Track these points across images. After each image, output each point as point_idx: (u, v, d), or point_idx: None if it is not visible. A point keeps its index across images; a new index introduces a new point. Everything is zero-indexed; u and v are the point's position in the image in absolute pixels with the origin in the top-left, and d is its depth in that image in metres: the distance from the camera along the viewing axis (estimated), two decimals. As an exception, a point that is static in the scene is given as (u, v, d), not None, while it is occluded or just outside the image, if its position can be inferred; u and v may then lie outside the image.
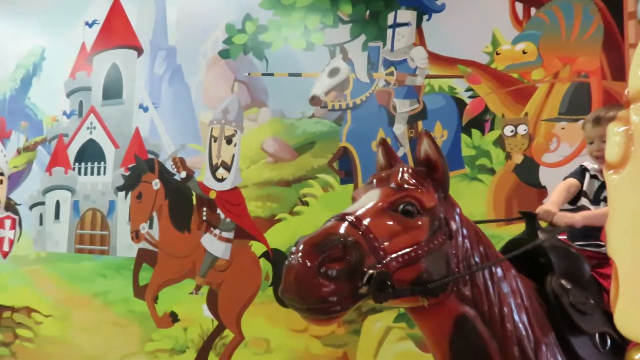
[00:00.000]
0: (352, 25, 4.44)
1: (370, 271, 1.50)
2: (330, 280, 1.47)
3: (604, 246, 2.00)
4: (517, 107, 3.85)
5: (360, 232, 1.55)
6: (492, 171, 3.91)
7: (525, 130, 3.81)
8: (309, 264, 1.46)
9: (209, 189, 4.94)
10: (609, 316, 1.85)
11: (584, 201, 2.21)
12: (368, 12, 4.39)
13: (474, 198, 3.83)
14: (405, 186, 1.70)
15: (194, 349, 4.87)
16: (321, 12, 4.55)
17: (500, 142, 3.89)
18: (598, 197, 2.17)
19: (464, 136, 3.98)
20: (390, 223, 1.62)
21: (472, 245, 1.76)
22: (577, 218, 1.98)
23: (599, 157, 2.17)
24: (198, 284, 4.89)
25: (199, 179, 5.01)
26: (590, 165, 2.27)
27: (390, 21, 4.28)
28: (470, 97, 4.00)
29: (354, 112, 4.38)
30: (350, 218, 1.58)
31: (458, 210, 1.78)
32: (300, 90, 4.59)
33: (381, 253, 1.55)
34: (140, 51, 5.45)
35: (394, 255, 1.57)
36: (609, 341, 1.87)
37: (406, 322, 3.79)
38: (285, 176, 4.65)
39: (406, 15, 4.23)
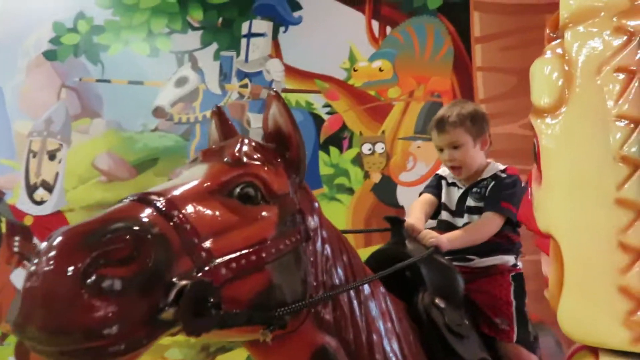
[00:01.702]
0: (204, 32, 4.10)
1: (183, 282, 1.00)
2: (108, 297, 0.93)
3: (472, 260, 1.88)
4: (375, 124, 3.81)
5: (170, 222, 1.06)
6: (350, 191, 3.81)
7: (382, 148, 3.76)
8: (66, 270, 0.91)
9: (24, 214, 4.16)
10: (484, 338, 1.72)
11: (444, 215, 1.96)
12: (221, 19, 4.09)
13: (333, 219, 3.55)
14: (245, 161, 1.26)
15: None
16: (168, 16, 4.14)
17: (358, 160, 3.81)
18: (461, 209, 1.91)
19: (321, 154, 3.85)
20: (220, 211, 1.16)
21: (334, 252, 1.37)
22: (443, 240, 1.72)
23: (454, 168, 1.90)
24: (4, 332, 4.02)
25: (11, 201, 4.23)
26: (447, 172, 2.00)
27: (244, 30, 4.02)
28: (328, 113, 3.89)
29: (204, 126, 4.02)
30: (157, 200, 1.09)
31: (317, 205, 1.40)
32: (142, 100, 4.11)
33: (203, 254, 1.07)
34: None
35: (223, 259, 1.10)
36: None
37: None
38: (121, 198, 4.06)
39: (262, 25, 4.00)
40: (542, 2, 3.42)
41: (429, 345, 1.55)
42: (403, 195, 3.70)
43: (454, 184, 1.97)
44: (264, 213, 1.23)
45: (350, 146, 3.81)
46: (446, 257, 1.77)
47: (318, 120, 3.87)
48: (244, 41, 4.02)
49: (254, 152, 1.30)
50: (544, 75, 1.11)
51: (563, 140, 1.07)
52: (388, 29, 3.86)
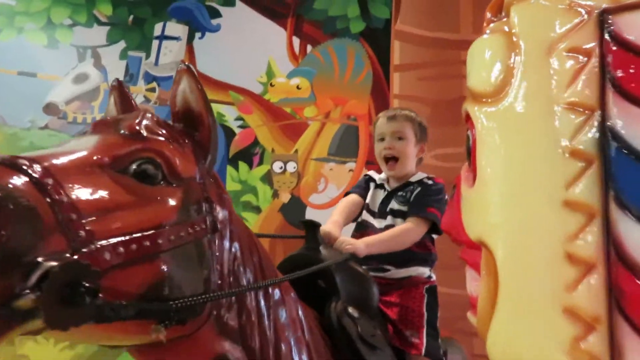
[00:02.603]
0: (111, 28, 3.80)
1: (50, 263, 0.84)
2: None
3: (388, 270, 1.79)
4: (288, 142, 3.69)
5: (42, 192, 0.89)
6: (257, 209, 3.64)
7: (294, 167, 3.63)
8: None
9: None
10: (396, 351, 1.62)
11: (365, 216, 1.88)
12: (132, 17, 3.82)
13: None
14: (146, 135, 1.10)
15: None
16: (72, 7, 3.80)
17: (268, 178, 3.65)
18: (383, 210, 1.84)
19: (229, 169, 3.65)
20: (110, 188, 1.00)
21: (244, 251, 1.23)
22: (360, 246, 1.63)
23: (389, 159, 1.86)
24: None
25: None
26: (376, 174, 1.96)
27: (157, 32, 3.77)
28: (240, 127, 3.71)
29: None
30: (28, 166, 0.91)
31: (227, 197, 1.25)
32: (32, 94, 3.72)
33: (81, 234, 0.91)
34: None
35: (108, 242, 0.94)
36: None
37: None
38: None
39: (177, 28, 3.78)
40: (460, 38, 3.50)
41: (340, 356, 1.42)
42: (312, 217, 3.52)
43: (381, 186, 1.90)
44: (164, 195, 1.07)
45: (260, 162, 3.66)
46: (362, 267, 1.67)
47: (229, 133, 3.68)
48: (155, 43, 3.77)
49: (157, 127, 1.13)
50: (483, 56, 0.97)
51: (504, 130, 0.93)
52: (309, 48, 3.78)
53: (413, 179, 1.87)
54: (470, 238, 0.97)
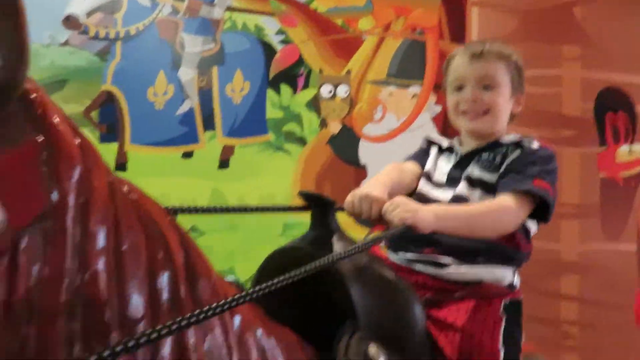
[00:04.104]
0: None
1: None
2: None
3: (446, 266, 1.23)
4: (339, 62, 3.16)
5: None
6: (302, 141, 3.17)
7: (346, 92, 3.15)
8: None
9: None
10: None
11: (422, 185, 1.39)
12: None
13: (277, 174, 3.07)
14: None
15: None
16: None
17: (314, 104, 3.17)
18: (454, 177, 1.34)
19: (270, 92, 3.17)
20: None
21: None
22: (426, 216, 1.11)
23: (469, 113, 1.35)
24: None
25: None
26: (441, 138, 1.48)
27: None
28: (281, 42, 3.19)
29: (126, 44, 3.27)
30: None
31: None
32: (49, 6, 3.26)
33: None
34: None
35: None
36: None
37: None
38: None
39: None
40: None
41: None
42: (366, 152, 3.11)
43: (449, 150, 1.40)
44: None
45: (306, 86, 3.16)
46: (404, 257, 1.19)
47: (269, 51, 3.16)
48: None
49: None
50: None
51: None
52: (365, -58, 3.12)
53: (504, 139, 1.34)
54: None
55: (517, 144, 1.33)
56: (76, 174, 0.70)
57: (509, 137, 1.36)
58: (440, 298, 1.21)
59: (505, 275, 1.27)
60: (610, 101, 2.92)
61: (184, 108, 3.13)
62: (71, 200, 0.68)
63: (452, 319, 1.17)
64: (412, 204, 1.13)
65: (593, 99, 2.88)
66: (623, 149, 2.93)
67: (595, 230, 2.86)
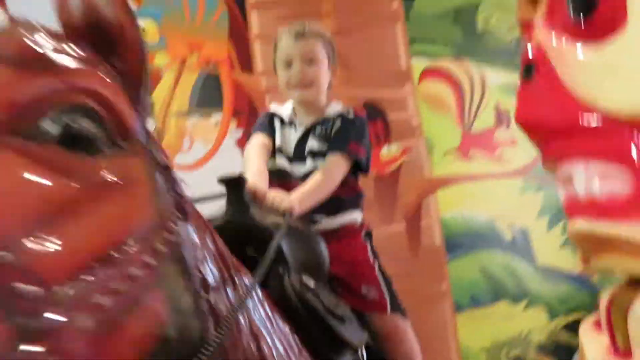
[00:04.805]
0: None
1: None
2: None
3: (318, 222, 1.57)
4: None
5: None
6: None
7: (152, 126, 3.15)
8: None
9: None
10: (358, 315, 1.44)
11: (280, 160, 1.64)
12: None
13: None
14: (58, 61, 0.69)
15: None
16: None
17: None
18: (301, 153, 1.62)
19: None
20: (23, 171, 0.63)
21: (204, 244, 0.90)
22: (295, 201, 1.39)
23: (300, 86, 1.61)
24: None
25: None
26: (279, 109, 1.70)
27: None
28: None
29: None
30: None
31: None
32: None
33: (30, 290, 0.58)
34: None
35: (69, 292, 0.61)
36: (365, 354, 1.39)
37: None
38: None
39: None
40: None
41: (310, 338, 1.19)
42: (181, 180, 3.19)
43: (290, 124, 1.66)
44: (124, 174, 0.70)
45: None
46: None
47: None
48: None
49: (67, 47, 0.70)
50: None
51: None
52: (150, -17, 3.21)
53: (330, 112, 1.66)
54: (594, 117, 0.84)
55: (340, 116, 1.64)
56: None
57: (333, 110, 1.65)
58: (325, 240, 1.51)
59: (357, 216, 1.65)
60: (369, 112, 3.61)
61: None
62: None
63: (336, 252, 1.47)
64: (282, 194, 1.41)
65: (359, 112, 3.51)
66: (384, 150, 3.66)
67: (374, 218, 3.52)
